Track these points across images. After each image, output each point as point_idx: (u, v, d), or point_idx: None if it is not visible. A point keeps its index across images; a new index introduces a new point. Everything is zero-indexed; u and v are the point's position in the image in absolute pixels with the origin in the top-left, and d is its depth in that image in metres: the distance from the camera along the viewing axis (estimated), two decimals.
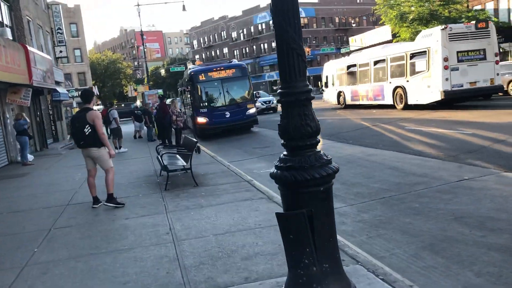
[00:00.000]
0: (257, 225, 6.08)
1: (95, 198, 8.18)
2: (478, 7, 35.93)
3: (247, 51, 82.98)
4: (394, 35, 36.71)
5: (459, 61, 19.03)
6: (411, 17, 31.96)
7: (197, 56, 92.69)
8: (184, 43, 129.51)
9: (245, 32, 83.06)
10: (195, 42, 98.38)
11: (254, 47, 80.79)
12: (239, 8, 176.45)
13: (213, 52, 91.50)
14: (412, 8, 32.38)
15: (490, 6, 36.20)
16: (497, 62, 19.67)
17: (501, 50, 34.37)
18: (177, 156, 10.22)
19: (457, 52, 19.02)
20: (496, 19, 33.23)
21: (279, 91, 3.22)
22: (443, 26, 19.81)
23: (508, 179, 7.51)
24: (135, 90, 63.82)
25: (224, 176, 10.04)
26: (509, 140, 10.73)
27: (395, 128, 15.49)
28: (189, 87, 20.96)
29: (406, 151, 10.95)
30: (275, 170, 3.25)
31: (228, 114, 19.89)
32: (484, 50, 19.49)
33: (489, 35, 19.71)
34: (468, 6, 34.69)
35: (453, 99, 19.66)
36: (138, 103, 56.15)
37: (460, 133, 12.53)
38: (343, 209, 6.90)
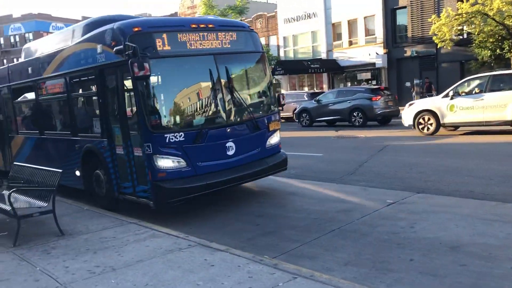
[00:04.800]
0: None
1: None
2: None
3: None
4: None
5: None
6: None
7: None
8: None
9: None
10: None
11: (5, 61, 69.96)
12: None
13: None
14: None
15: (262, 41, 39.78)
16: None
17: (274, 81, 37.97)
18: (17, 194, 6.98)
19: None
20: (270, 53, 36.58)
21: None
22: None
23: (428, 198, 7.45)
24: None
25: (88, 217, 7.42)
26: None
27: None
28: (116, 73, 7.20)
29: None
30: None
31: (231, 147, 7.46)
32: None
33: None
34: None
35: None
36: None
37: None
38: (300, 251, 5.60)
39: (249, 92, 8.36)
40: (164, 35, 6.83)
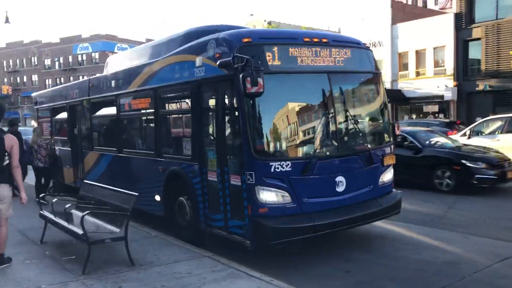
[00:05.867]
0: None
1: None
2: None
3: (63, 82, 74.74)
4: None
5: None
6: None
7: None
8: None
9: (61, 61, 75.02)
10: None
11: (72, 78, 73.26)
12: (56, 35, 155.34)
13: (18, 78, 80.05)
14: None
15: None
16: None
17: None
18: (86, 216, 6.55)
19: None
20: None
21: None
22: None
23: None
24: None
25: (157, 246, 6.84)
26: None
27: None
28: (225, 89, 6.29)
29: None
30: None
31: (341, 183, 6.35)
32: None
33: None
34: None
35: None
36: None
37: None
38: None
39: (363, 119, 7.16)
40: (275, 48, 5.98)
